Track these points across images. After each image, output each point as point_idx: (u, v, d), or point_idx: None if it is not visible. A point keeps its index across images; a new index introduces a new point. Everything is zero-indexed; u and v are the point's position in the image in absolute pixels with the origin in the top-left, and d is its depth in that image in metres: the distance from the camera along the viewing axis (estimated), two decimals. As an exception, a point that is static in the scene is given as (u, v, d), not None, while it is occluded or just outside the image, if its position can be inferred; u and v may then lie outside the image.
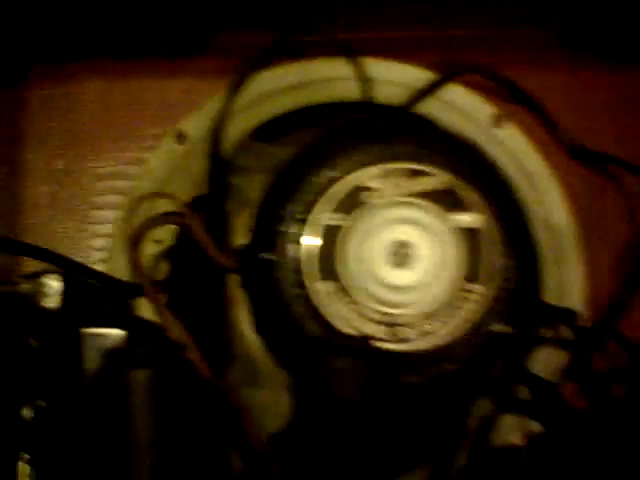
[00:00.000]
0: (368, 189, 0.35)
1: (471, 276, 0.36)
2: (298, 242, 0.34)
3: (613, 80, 0.50)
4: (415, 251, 0.36)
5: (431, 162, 0.36)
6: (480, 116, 0.47)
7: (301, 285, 0.34)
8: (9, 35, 0.46)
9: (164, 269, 0.44)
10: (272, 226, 0.34)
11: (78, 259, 0.45)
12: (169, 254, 0.45)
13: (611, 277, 0.48)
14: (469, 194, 0.36)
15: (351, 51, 0.44)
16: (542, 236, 0.46)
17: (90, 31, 0.47)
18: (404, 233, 0.36)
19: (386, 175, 0.36)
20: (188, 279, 0.43)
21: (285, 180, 0.35)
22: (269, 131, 0.44)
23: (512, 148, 0.47)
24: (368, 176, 0.35)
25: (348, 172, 0.35)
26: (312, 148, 0.37)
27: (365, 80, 0.44)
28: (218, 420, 0.38)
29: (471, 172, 0.36)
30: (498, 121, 0.48)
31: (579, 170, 0.49)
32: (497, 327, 0.35)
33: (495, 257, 0.36)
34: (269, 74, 0.46)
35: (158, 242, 0.45)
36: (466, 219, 0.36)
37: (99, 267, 0.46)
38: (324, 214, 0.35)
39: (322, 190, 0.34)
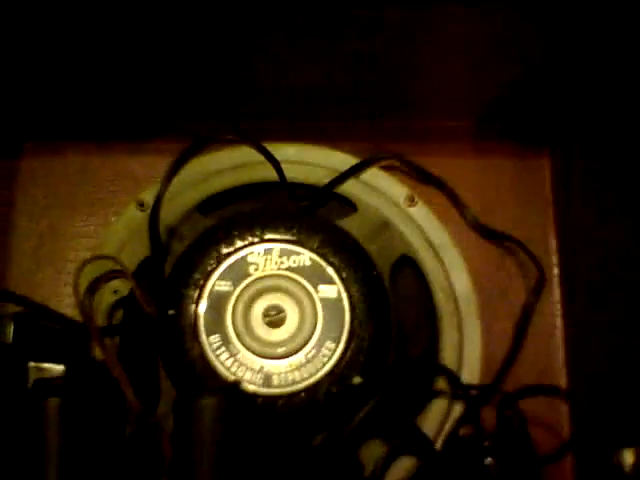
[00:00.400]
0: (253, 263, 0.44)
1: (330, 337, 0.43)
2: (195, 303, 0.43)
3: (518, 166, 0.58)
4: (286, 315, 0.44)
5: (303, 244, 0.44)
6: (395, 196, 0.55)
7: (196, 337, 0.42)
8: (7, 116, 0.56)
9: (118, 315, 0.53)
10: (179, 288, 0.43)
11: (53, 303, 0.55)
12: (123, 303, 0.53)
13: (506, 341, 0.54)
14: (330, 271, 0.44)
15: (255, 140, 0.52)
16: (443, 302, 0.54)
17: (74, 115, 0.57)
18: (278, 299, 0.44)
19: (267, 253, 0.44)
20: (136, 324, 0.52)
21: (194, 251, 0.44)
22: (213, 204, 0.53)
23: (421, 225, 0.55)
24: (253, 253, 0.44)
25: (239, 249, 0.43)
26: (216, 226, 0.45)
27: (282, 164, 0.53)
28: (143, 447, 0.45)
29: (334, 253, 0.44)
30: (411, 201, 0.56)
31: (482, 246, 0.57)
32: (353, 379, 0.42)
33: (350, 322, 0.43)
34: (216, 155, 0.55)
35: (115, 292, 0.53)
36: (329, 290, 0.44)
37: (69, 310, 0.55)
38: (217, 281, 0.43)
39: (218, 262, 0.43)
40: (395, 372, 0.47)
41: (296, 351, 0.43)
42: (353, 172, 0.55)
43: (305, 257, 0.45)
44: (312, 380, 0.42)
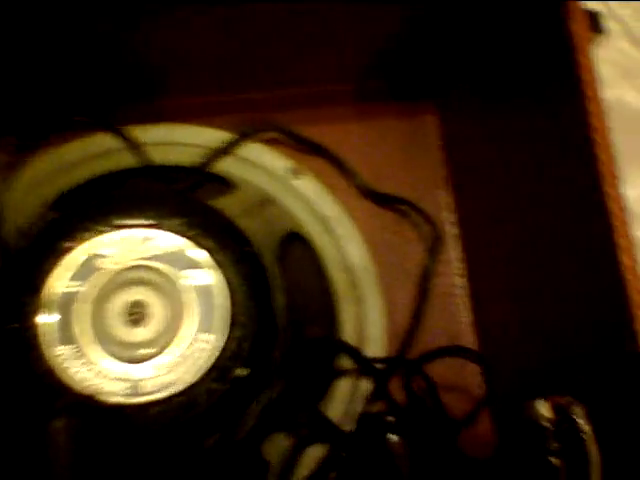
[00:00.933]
0: (104, 256, 0.39)
1: (205, 327, 0.39)
2: (37, 310, 0.37)
3: (404, 125, 0.55)
4: (149, 310, 0.39)
5: (164, 227, 0.40)
6: (278, 170, 0.52)
7: (41, 351, 0.36)
8: None
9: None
10: (18, 297, 0.37)
11: None
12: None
13: (409, 309, 0.52)
14: (200, 255, 0.40)
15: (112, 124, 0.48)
16: (339, 276, 0.50)
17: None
18: (140, 294, 0.39)
19: (120, 242, 0.39)
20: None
21: (33, 250, 0.39)
22: (73, 199, 0.48)
23: (308, 197, 0.51)
24: (104, 243, 0.39)
25: (84, 240, 0.38)
26: (57, 219, 0.40)
27: (152, 147, 0.48)
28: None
29: (204, 234, 0.40)
30: (295, 174, 0.52)
31: (375, 213, 0.54)
32: (238, 371, 0.38)
33: (228, 309, 0.39)
34: (72, 145, 0.50)
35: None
36: (200, 276, 0.40)
37: None
38: (61, 282, 0.38)
39: (60, 259, 0.38)
40: (291, 357, 0.43)
41: (167, 350, 0.38)
42: (228, 148, 0.51)
43: (168, 242, 0.40)
44: (190, 380, 0.38)
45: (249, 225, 0.46)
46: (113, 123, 0.49)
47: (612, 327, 0.35)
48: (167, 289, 0.40)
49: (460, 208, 0.54)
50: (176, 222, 0.42)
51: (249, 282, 0.41)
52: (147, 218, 0.40)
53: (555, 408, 0.36)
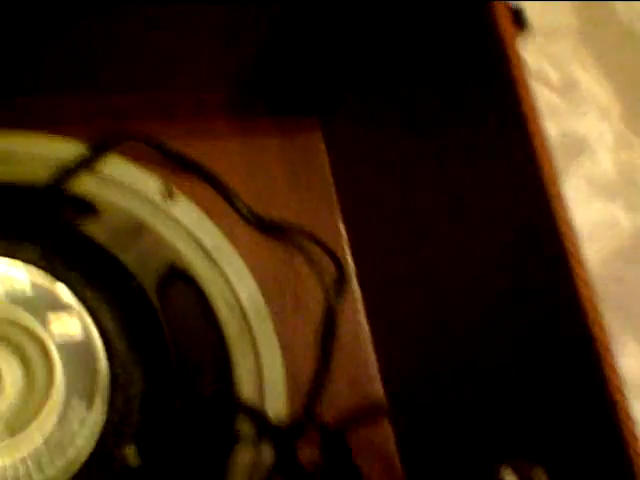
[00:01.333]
0: None
1: (77, 397, 0.28)
2: None
3: (282, 141, 0.48)
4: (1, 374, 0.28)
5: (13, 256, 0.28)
6: (147, 190, 0.41)
7: None
8: None
9: None
10: None
11: None
12: None
13: (308, 353, 0.44)
14: (64, 295, 0.29)
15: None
16: (229, 319, 0.41)
17: None
18: None
19: None
20: None
21: None
22: None
23: (186, 224, 0.42)
24: None
25: None
26: None
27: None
28: None
29: (69, 267, 0.29)
30: (168, 195, 0.42)
31: (263, 243, 0.45)
32: (128, 454, 0.28)
33: (105, 368, 0.29)
34: None
35: None
36: (68, 324, 0.29)
37: None
38: None
39: None
40: (184, 423, 0.33)
41: (25, 430, 0.27)
42: (85, 163, 0.40)
43: (21, 278, 0.28)
44: (55, 472, 0.26)
45: (123, 258, 0.35)
46: None
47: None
48: (23, 344, 0.28)
49: (354, 238, 0.48)
50: (29, 250, 0.30)
51: (130, 329, 0.31)
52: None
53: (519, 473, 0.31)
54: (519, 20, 0.36)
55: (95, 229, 0.36)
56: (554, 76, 0.58)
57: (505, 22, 0.34)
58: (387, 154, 0.45)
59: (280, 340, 0.43)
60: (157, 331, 0.33)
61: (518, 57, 0.33)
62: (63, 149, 0.40)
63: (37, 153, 0.39)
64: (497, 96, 0.34)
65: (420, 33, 0.39)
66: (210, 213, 0.44)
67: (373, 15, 0.42)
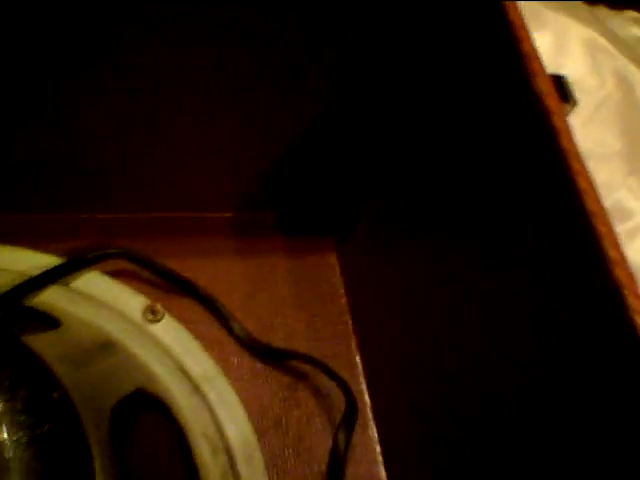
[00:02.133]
0: None
1: None
2: None
3: (291, 262, 0.43)
4: None
5: None
6: (128, 308, 0.37)
7: None
8: None
9: None
10: None
11: None
12: None
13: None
14: None
15: None
16: (207, 460, 0.34)
17: None
18: None
19: None
20: None
21: None
22: None
23: (170, 346, 0.36)
24: None
25: None
26: None
27: None
28: None
29: None
30: (152, 314, 0.37)
31: (265, 372, 0.39)
32: None
33: None
34: None
35: None
36: None
37: None
38: None
39: None
40: None
41: None
42: (52, 275, 0.36)
43: None
44: None
45: (73, 375, 0.30)
46: None
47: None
48: None
49: (370, 370, 0.41)
50: None
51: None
52: None
53: None
54: (565, 93, 0.30)
55: (46, 342, 0.31)
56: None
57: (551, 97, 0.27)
58: (407, 278, 0.39)
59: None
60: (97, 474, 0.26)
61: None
62: (33, 262, 0.36)
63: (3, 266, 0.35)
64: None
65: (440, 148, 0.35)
66: (203, 337, 0.38)
67: (390, 134, 0.38)
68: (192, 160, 0.40)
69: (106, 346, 0.33)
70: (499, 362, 0.29)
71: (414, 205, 0.38)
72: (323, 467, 0.37)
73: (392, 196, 0.41)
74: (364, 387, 0.40)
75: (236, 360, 0.39)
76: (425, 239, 0.37)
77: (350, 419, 0.36)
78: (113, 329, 0.35)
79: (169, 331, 0.37)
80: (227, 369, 0.38)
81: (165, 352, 0.36)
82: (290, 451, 0.37)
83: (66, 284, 0.36)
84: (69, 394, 0.26)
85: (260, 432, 0.37)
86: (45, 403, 0.24)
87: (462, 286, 0.32)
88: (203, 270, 0.41)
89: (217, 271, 0.41)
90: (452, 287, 0.34)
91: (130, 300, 0.37)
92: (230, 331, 0.39)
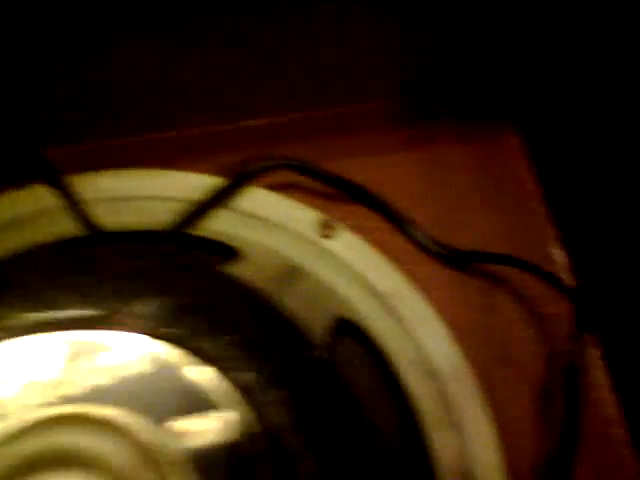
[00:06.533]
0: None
1: None
2: None
3: (467, 149, 0.37)
4: None
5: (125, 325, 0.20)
6: (299, 226, 0.33)
7: None
8: None
9: None
10: None
11: None
12: None
13: (529, 427, 0.32)
14: (215, 379, 0.20)
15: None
16: (417, 386, 0.30)
17: None
18: None
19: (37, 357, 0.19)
20: None
21: None
22: None
23: (351, 263, 0.32)
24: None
25: None
26: None
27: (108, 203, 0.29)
28: None
29: (213, 332, 0.20)
30: (327, 229, 0.33)
31: (457, 280, 0.34)
32: None
33: None
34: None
35: None
36: (210, 432, 0.20)
37: None
38: None
39: None
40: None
41: None
42: (220, 199, 0.32)
43: (143, 356, 0.20)
44: None
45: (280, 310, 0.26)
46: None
47: None
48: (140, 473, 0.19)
49: (578, 263, 0.35)
50: (151, 308, 0.22)
51: (316, 430, 0.21)
52: (95, 307, 0.20)
53: None
54: None
55: (237, 276, 0.28)
56: None
57: None
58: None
59: (492, 411, 0.31)
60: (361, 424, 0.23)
61: None
62: (193, 185, 0.32)
63: (159, 194, 0.31)
64: None
65: None
66: (382, 249, 0.34)
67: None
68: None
69: (291, 273, 0.30)
70: None
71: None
72: (540, 381, 0.32)
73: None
74: (572, 284, 0.35)
75: (423, 270, 0.34)
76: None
77: (581, 320, 0.31)
78: (292, 252, 0.31)
79: (348, 246, 0.33)
80: (416, 281, 0.34)
81: (349, 271, 0.32)
82: (498, 364, 0.33)
83: (232, 207, 0.32)
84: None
85: (464, 348, 0.33)
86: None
87: None
88: (369, 171, 0.36)
89: (384, 170, 0.36)
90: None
91: (303, 216, 0.33)
92: (412, 238, 0.35)
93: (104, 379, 0.20)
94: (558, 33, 0.34)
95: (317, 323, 0.28)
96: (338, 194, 0.35)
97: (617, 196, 0.34)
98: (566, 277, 0.35)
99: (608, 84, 0.33)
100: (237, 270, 0.28)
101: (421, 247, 0.35)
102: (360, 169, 0.36)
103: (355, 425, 0.21)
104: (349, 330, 0.30)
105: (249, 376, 0.20)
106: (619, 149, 0.34)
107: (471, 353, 0.33)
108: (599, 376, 0.33)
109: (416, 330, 0.32)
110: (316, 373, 0.20)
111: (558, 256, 0.36)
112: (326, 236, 0.33)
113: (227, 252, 0.30)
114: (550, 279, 0.31)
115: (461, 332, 0.33)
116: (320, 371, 0.21)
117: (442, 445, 0.29)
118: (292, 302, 0.28)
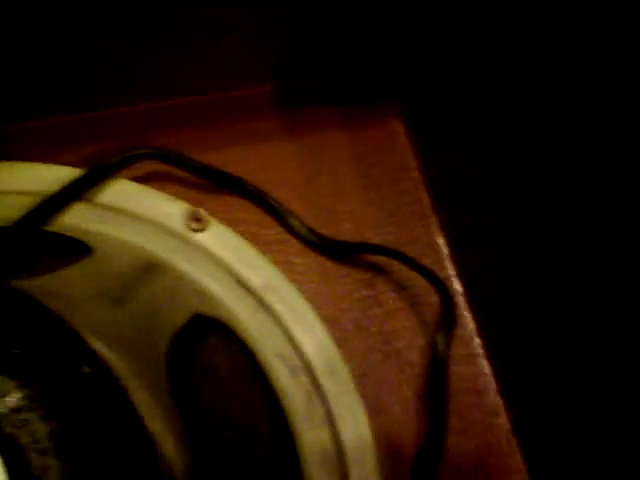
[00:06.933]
0: None
1: None
2: None
3: (351, 136, 0.36)
4: None
5: None
6: (164, 219, 0.31)
7: None
8: None
9: None
10: None
11: None
12: None
13: (409, 417, 0.31)
14: None
15: None
16: (286, 381, 0.29)
17: None
18: None
19: None
20: None
21: None
22: None
23: (224, 257, 0.31)
24: None
25: None
26: None
27: None
28: None
29: None
30: (197, 222, 0.31)
31: (336, 271, 0.33)
32: None
33: None
34: None
35: None
36: None
37: None
38: None
39: None
40: None
41: None
42: (71, 192, 0.30)
43: None
44: None
45: (115, 312, 0.25)
46: None
47: None
48: None
49: (459, 254, 0.35)
50: None
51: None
52: None
53: None
54: None
55: (78, 274, 0.26)
56: None
57: None
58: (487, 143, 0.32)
59: (369, 402, 0.30)
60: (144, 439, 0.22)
61: None
62: (49, 177, 0.30)
63: (15, 187, 0.29)
64: None
65: None
66: (258, 241, 0.33)
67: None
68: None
69: (149, 269, 0.28)
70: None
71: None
72: (417, 370, 0.32)
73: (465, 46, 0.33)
74: (452, 272, 0.34)
75: (300, 262, 0.33)
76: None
77: (447, 313, 0.31)
78: (155, 247, 0.30)
79: (218, 239, 0.31)
80: (292, 274, 0.32)
81: (217, 265, 0.30)
82: (377, 356, 0.32)
83: (90, 200, 0.31)
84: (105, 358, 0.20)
85: (340, 339, 0.32)
86: (71, 383, 0.18)
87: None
88: (246, 160, 0.35)
89: (263, 159, 0.35)
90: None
91: (168, 209, 0.31)
92: (289, 229, 0.33)
93: None
94: (444, 17, 0.34)
95: (171, 320, 0.26)
96: (213, 186, 0.34)
97: (501, 184, 0.34)
98: (448, 266, 0.34)
99: (496, 70, 0.33)
100: (83, 269, 0.26)
101: (300, 238, 0.34)
102: (240, 158, 0.35)
103: (130, 433, 0.20)
104: (210, 326, 0.29)
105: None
106: (504, 138, 0.34)
107: (350, 345, 0.32)
108: (482, 364, 0.33)
109: (289, 325, 0.30)
110: (84, 388, 0.19)
111: (441, 246, 0.35)
112: (195, 229, 0.31)
113: (80, 248, 0.29)
114: (422, 271, 0.31)
115: (340, 324, 0.32)
116: (88, 385, 0.19)
117: (311, 439, 0.28)
118: (144, 299, 0.26)
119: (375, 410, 0.31)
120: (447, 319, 0.30)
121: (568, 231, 0.27)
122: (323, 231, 0.34)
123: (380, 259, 0.34)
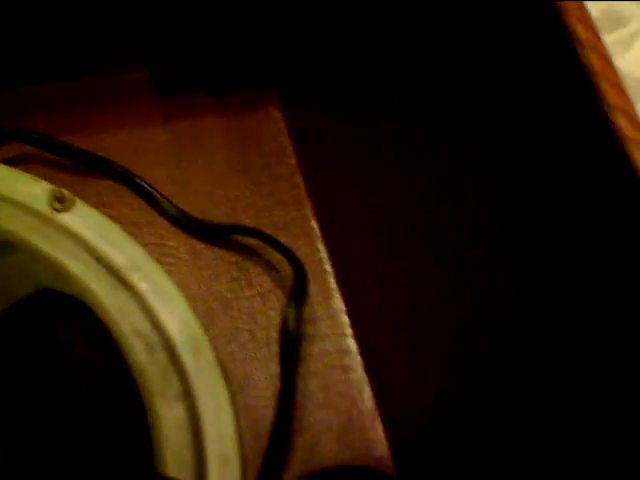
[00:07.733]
0: None
1: None
2: None
3: (227, 121, 0.37)
4: None
5: None
6: (30, 201, 0.31)
7: None
8: None
9: None
10: None
11: None
12: None
13: (269, 391, 0.31)
14: None
15: None
16: (149, 360, 0.29)
17: None
18: None
19: None
20: None
21: None
22: None
23: (86, 237, 0.31)
24: None
25: None
26: None
27: None
28: None
29: None
30: (60, 203, 0.31)
31: (206, 252, 0.34)
32: None
33: None
34: None
35: None
36: None
37: None
38: None
39: None
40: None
41: None
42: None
43: None
44: None
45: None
46: None
47: None
48: None
49: (328, 237, 0.35)
50: None
51: None
52: None
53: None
54: None
55: None
56: None
57: None
58: (362, 133, 0.33)
59: (233, 382, 0.30)
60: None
61: None
62: None
63: None
64: None
65: None
66: (127, 222, 0.33)
67: None
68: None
69: (4, 247, 0.28)
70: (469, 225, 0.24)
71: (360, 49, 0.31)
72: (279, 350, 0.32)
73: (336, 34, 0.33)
74: (324, 255, 0.35)
75: (171, 244, 0.33)
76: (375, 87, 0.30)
77: (299, 291, 0.31)
78: (13, 226, 0.29)
79: (82, 219, 0.31)
80: (162, 255, 0.33)
81: (79, 244, 0.30)
82: (245, 335, 0.32)
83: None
84: None
85: (209, 318, 0.32)
86: None
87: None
88: (120, 145, 0.35)
89: (138, 144, 0.35)
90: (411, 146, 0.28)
91: (31, 189, 0.31)
92: (159, 210, 0.34)
93: None
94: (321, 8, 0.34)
95: (11, 292, 0.26)
96: (85, 170, 0.34)
97: (375, 172, 0.34)
98: (321, 249, 0.35)
99: (377, 57, 0.33)
100: None
101: (170, 220, 0.34)
102: (114, 143, 0.35)
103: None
104: (71, 305, 0.29)
105: None
106: (382, 125, 0.34)
107: (218, 324, 0.32)
108: (349, 343, 0.33)
109: (152, 303, 0.31)
110: None
111: (315, 229, 0.35)
112: (59, 209, 0.31)
113: None
114: (278, 246, 0.31)
115: (208, 304, 0.33)
116: None
117: (164, 414, 0.28)
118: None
119: (241, 387, 0.31)
120: (298, 297, 0.30)
121: (440, 215, 0.28)
122: (198, 215, 0.34)
123: (253, 242, 0.34)
